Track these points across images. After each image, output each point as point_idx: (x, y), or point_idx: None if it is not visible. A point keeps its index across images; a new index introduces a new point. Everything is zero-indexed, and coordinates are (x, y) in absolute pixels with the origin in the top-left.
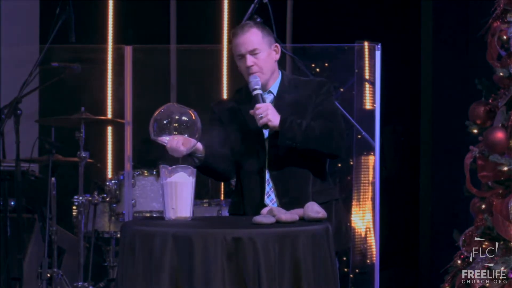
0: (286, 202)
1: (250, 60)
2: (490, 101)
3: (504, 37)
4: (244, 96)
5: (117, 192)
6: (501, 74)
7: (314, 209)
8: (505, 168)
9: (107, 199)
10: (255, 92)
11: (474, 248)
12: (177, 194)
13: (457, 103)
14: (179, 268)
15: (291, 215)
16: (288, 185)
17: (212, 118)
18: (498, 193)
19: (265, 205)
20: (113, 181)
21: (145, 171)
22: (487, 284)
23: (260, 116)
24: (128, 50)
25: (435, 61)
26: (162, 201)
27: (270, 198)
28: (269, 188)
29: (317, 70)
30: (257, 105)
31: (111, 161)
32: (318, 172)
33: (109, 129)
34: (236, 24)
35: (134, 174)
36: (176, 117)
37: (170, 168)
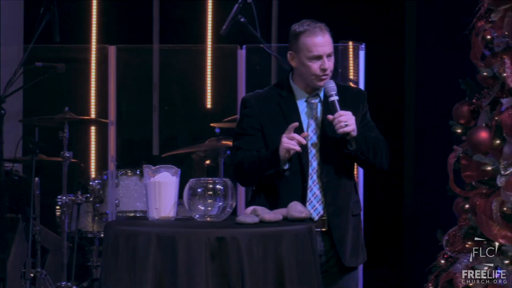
0: (333, 210)
1: (328, 63)
2: (474, 101)
3: (488, 36)
4: (287, 94)
5: (101, 192)
6: (485, 73)
7: (297, 209)
8: (489, 168)
9: (91, 199)
10: (332, 98)
11: (457, 248)
12: (161, 194)
13: (441, 102)
14: (162, 268)
15: (275, 215)
16: (337, 194)
17: (251, 113)
18: (481, 192)
19: None
20: (96, 181)
21: (129, 171)
22: (471, 284)
23: (345, 123)
24: (112, 50)
25: (418, 61)
26: (146, 201)
27: (312, 205)
28: (311, 194)
29: None
30: (341, 112)
31: (95, 161)
32: (355, 183)
33: (93, 129)
34: (220, 24)
35: (118, 174)
36: None
37: (153, 168)
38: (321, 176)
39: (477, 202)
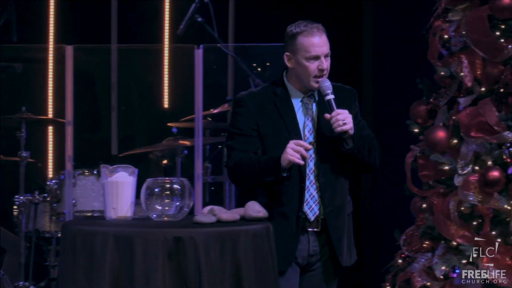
0: (330, 211)
1: (326, 63)
2: (431, 100)
3: (446, 36)
4: (282, 93)
5: (58, 191)
6: (442, 73)
7: (255, 209)
8: (446, 167)
9: (48, 199)
10: (328, 97)
11: (415, 247)
12: (118, 194)
13: (398, 102)
14: (120, 268)
15: (232, 215)
16: (334, 194)
17: (246, 112)
18: (439, 192)
19: (304, 214)
20: (54, 181)
21: (86, 171)
22: (428, 283)
23: (343, 122)
24: (69, 50)
25: (376, 61)
26: (103, 200)
27: (309, 205)
28: (308, 195)
29: (259, 69)
30: (339, 110)
31: (52, 160)
32: (348, 183)
33: (50, 128)
34: (178, 24)
35: (75, 174)
36: None
37: (111, 167)
38: (318, 176)
39: (435, 202)
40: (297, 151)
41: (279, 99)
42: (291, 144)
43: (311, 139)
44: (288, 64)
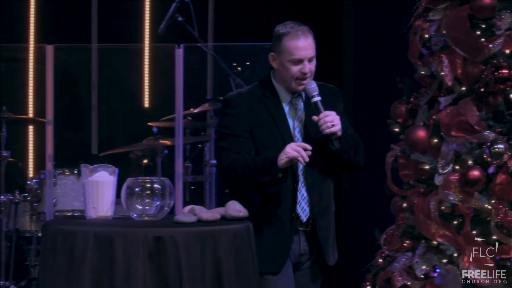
0: (318, 211)
1: (309, 66)
2: (412, 99)
3: (426, 35)
4: (271, 94)
5: (39, 191)
6: (422, 72)
7: (235, 208)
8: (426, 167)
9: (29, 198)
10: (315, 99)
11: (395, 246)
12: (99, 193)
13: (378, 101)
14: (100, 267)
15: (213, 214)
16: (321, 194)
17: (238, 113)
18: (419, 191)
19: (297, 215)
20: (34, 180)
21: (67, 170)
22: (409, 283)
23: (331, 123)
24: (50, 49)
25: (356, 60)
26: (84, 200)
27: (301, 206)
28: (300, 196)
29: (239, 69)
30: (326, 112)
31: (33, 160)
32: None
33: (31, 128)
34: (158, 23)
35: (56, 173)
36: None
37: (91, 167)
38: (306, 176)
39: (415, 201)
40: (297, 151)
41: (268, 100)
42: (292, 145)
43: (300, 140)
44: (273, 64)
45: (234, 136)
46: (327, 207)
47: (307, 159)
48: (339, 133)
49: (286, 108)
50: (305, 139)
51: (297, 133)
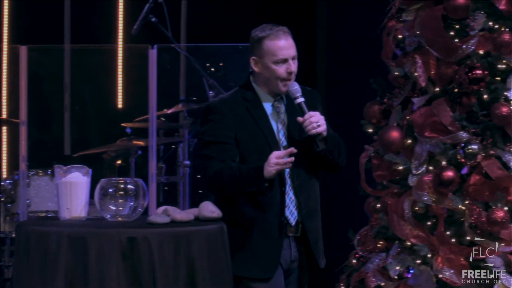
0: (306, 213)
1: (294, 66)
2: (385, 100)
3: (400, 36)
4: (252, 98)
5: (12, 192)
6: (396, 73)
7: (209, 209)
8: (400, 167)
9: (2, 199)
10: (299, 100)
11: (369, 247)
12: (72, 194)
13: (352, 102)
14: (74, 268)
15: (186, 215)
16: (308, 196)
17: (221, 120)
18: (393, 192)
19: (286, 218)
20: (8, 181)
21: (40, 171)
22: (382, 284)
23: (317, 124)
24: (23, 50)
25: (330, 60)
26: (57, 201)
27: (290, 210)
28: (288, 199)
29: (212, 69)
30: (311, 113)
31: (6, 161)
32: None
33: (4, 129)
34: (132, 24)
35: (29, 174)
36: None
37: (64, 168)
38: (293, 179)
39: (389, 202)
40: (282, 164)
41: (251, 105)
42: (275, 154)
43: (285, 143)
44: (255, 68)
45: (218, 143)
46: (315, 208)
47: (290, 165)
48: (325, 134)
49: (269, 111)
50: (289, 142)
51: (281, 136)
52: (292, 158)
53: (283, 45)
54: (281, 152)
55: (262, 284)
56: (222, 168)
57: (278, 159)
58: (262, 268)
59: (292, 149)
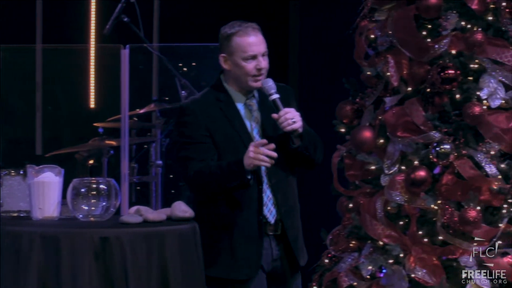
0: (285, 211)
1: (264, 62)
2: (358, 100)
3: (372, 36)
4: (225, 98)
5: None
6: (368, 73)
7: (181, 209)
8: (373, 167)
9: None
10: (273, 96)
11: (341, 247)
12: (44, 194)
13: (324, 102)
14: (46, 268)
15: (158, 215)
16: (286, 194)
17: (195, 121)
18: (365, 192)
19: (265, 217)
20: None
21: (12, 171)
22: (355, 283)
23: (292, 120)
24: None
25: (302, 60)
26: (29, 201)
27: (268, 208)
28: (266, 197)
29: (185, 69)
30: (286, 109)
31: None
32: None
33: None
34: (104, 24)
35: (1, 174)
36: None
37: (37, 167)
38: (270, 177)
39: (361, 202)
40: (260, 153)
41: (223, 104)
42: (252, 147)
43: (258, 139)
44: (225, 66)
45: (195, 144)
46: (293, 206)
47: (275, 155)
48: (300, 130)
49: (242, 110)
50: (264, 139)
51: (255, 134)
52: (275, 154)
53: (252, 41)
54: (258, 142)
55: (244, 285)
56: (201, 167)
57: (256, 147)
58: (243, 268)
59: (272, 145)
